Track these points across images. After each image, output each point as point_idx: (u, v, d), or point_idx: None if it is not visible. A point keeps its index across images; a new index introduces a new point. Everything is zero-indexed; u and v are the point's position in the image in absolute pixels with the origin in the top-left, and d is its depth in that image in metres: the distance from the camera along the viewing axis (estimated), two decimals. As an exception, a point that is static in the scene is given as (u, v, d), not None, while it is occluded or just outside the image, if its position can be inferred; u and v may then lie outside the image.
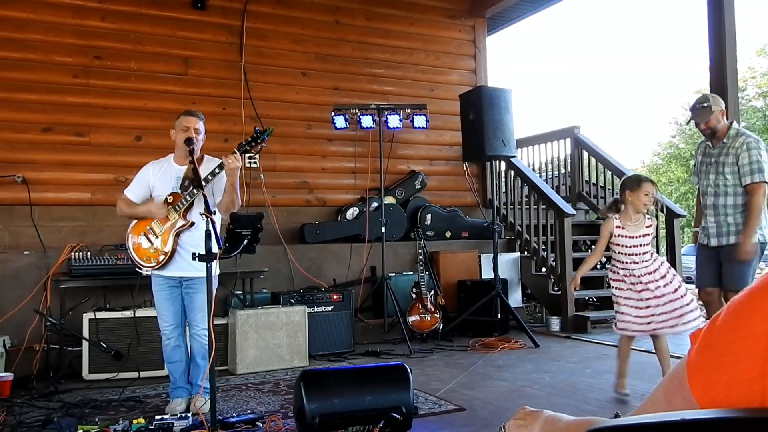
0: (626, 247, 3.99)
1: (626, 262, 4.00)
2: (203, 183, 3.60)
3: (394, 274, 6.58)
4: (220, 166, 3.70)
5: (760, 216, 4.21)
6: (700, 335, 0.68)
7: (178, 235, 3.78)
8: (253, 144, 3.67)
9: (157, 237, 3.80)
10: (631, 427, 0.60)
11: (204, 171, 3.74)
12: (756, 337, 0.61)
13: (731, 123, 4.41)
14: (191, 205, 3.76)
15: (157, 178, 3.90)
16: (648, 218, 4.06)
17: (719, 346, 0.65)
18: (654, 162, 29.04)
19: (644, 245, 3.99)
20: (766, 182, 4.19)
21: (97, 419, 3.59)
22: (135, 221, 3.90)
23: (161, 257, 3.77)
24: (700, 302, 4.48)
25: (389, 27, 7.63)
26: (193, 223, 3.76)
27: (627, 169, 7.64)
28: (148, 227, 3.82)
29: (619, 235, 4.01)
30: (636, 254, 3.97)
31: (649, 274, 3.94)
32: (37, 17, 5.91)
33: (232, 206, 3.80)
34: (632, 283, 3.96)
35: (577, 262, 7.19)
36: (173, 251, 3.76)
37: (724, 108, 4.42)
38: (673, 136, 27.81)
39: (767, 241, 4.30)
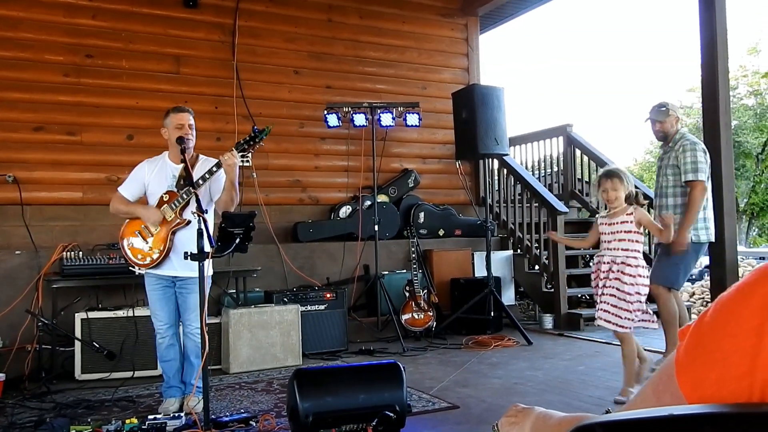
0: (605, 234, 3.94)
1: (602, 250, 3.96)
2: (200, 182, 3.60)
3: (387, 273, 6.59)
4: (218, 165, 3.69)
5: (697, 212, 4.48)
6: (689, 332, 0.68)
7: (173, 233, 3.77)
8: (251, 143, 3.66)
9: (152, 235, 3.79)
10: (620, 423, 0.60)
11: (200, 170, 3.73)
12: (744, 334, 0.61)
13: (679, 129, 4.70)
14: (187, 203, 3.75)
15: (152, 177, 3.88)
16: (632, 207, 3.90)
17: (708, 343, 0.65)
18: (647, 160, 29.14)
19: (621, 232, 3.87)
20: (699, 180, 4.46)
21: (89, 419, 3.57)
22: (128, 220, 3.88)
23: (156, 255, 3.76)
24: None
25: (382, 25, 7.62)
26: (189, 222, 3.74)
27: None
28: (143, 225, 3.81)
29: (601, 224, 3.98)
30: (612, 240, 3.89)
31: (614, 264, 3.86)
32: (29, 16, 5.87)
33: (231, 204, 3.80)
34: (601, 272, 3.94)
35: (570, 260, 7.22)
36: (168, 249, 3.75)
37: (679, 117, 4.76)
38: (665, 134, 27.89)
39: (701, 240, 4.57)
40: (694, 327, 0.68)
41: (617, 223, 3.89)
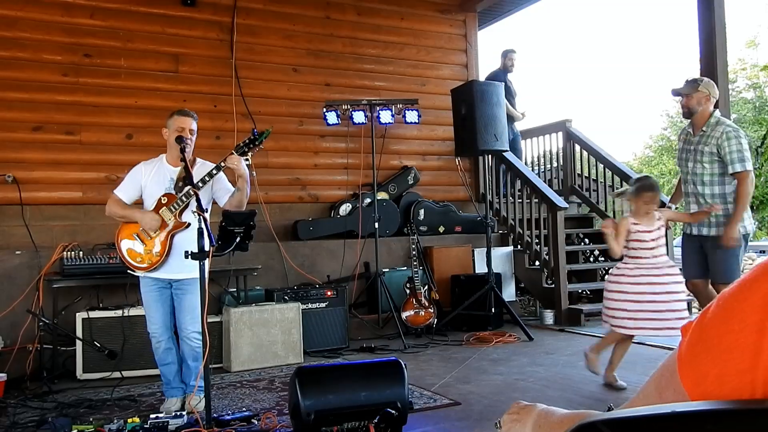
0: (645, 242, 3.96)
1: (646, 257, 3.95)
2: (200, 185, 3.57)
3: (387, 270, 6.59)
4: (218, 168, 3.68)
5: (748, 204, 4.24)
6: (691, 328, 0.68)
7: (172, 237, 3.75)
8: (251, 146, 3.66)
9: (150, 238, 3.76)
10: (623, 420, 0.60)
11: (198, 173, 3.70)
12: (746, 329, 0.61)
13: (713, 112, 4.35)
14: (187, 206, 3.73)
15: (149, 179, 3.84)
16: (657, 211, 4.04)
17: (710, 339, 0.65)
18: (646, 154, 29.18)
19: (661, 237, 3.99)
20: (749, 170, 4.19)
21: (91, 419, 3.57)
22: (124, 222, 3.86)
23: (156, 258, 3.74)
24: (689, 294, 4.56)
25: (380, 22, 7.61)
26: (188, 225, 3.72)
27: (619, 163, 7.67)
28: (141, 228, 3.78)
29: (636, 231, 3.97)
30: (656, 247, 3.97)
31: (658, 268, 3.94)
32: (26, 15, 5.86)
33: (244, 202, 3.82)
34: (637, 276, 3.94)
35: (570, 256, 7.23)
36: (167, 253, 3.74)
37: (711, 96, 4.33)
38: (664, 129, 27.96)
39: (748, 232, 4.34)
40: (696, 323, 0.68)
41: (656, 229, 3.97)
